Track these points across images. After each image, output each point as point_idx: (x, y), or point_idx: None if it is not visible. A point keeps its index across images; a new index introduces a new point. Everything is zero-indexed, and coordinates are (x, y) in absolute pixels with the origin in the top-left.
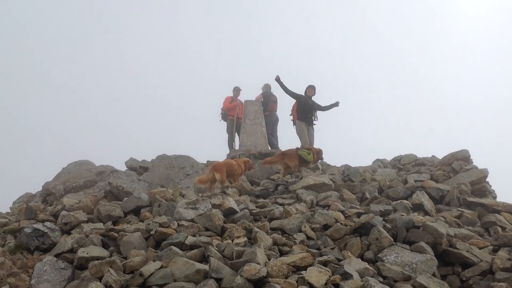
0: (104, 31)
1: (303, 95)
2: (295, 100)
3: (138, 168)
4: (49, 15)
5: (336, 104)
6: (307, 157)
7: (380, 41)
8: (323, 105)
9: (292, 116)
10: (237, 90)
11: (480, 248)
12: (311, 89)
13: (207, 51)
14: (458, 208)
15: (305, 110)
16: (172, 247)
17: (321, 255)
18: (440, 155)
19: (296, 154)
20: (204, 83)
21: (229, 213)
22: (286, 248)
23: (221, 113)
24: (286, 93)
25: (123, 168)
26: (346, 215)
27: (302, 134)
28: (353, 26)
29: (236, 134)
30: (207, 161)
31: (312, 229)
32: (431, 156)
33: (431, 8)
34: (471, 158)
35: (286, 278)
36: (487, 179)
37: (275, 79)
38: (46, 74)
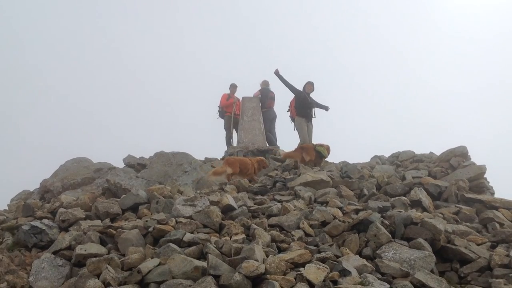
0: (101, 29)
1: (302, 91)
2: (293, 96)
3: (136, 165)
4: (48, 13)
5: (326, 108)
6: (324, 153)
7: (377, 37)
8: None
9: (290, 112)
10: (233, 87)
11: (478, 245)
12: (310, 85)
13: (203, 48)
14: (456, 205)
15: (304, 106)
16: (170, 244)
17: (319, 252)
18: (438, 152)
19: (313, 149)
20: (201, 80)
21: (227, 210)
22: (284, 245)
23: (218, 110)
24: (286, 86)
25: (121, 165)
26: (344, 211)
27: (301, 130)
28: (351, 22)
29: (234, 131)
30: (205, 158)
31: (310, 225)
32: (429, 153)
33: (428, 2)
34: (469, 154)
35: (284, 275)
36: (485, 176)
37: (274, 73)
38: (44, 71)
